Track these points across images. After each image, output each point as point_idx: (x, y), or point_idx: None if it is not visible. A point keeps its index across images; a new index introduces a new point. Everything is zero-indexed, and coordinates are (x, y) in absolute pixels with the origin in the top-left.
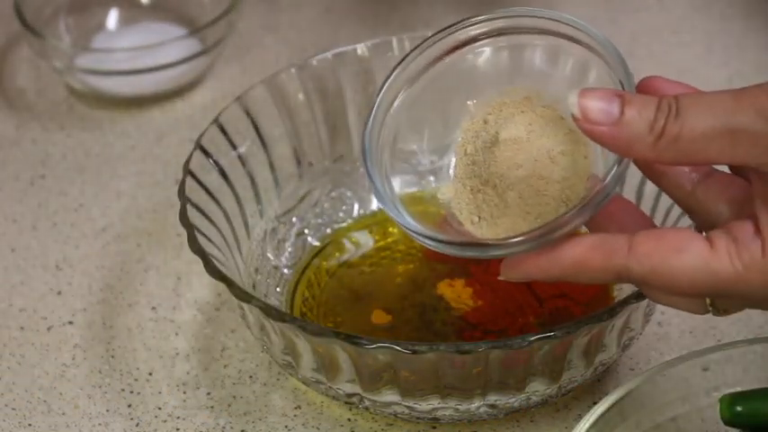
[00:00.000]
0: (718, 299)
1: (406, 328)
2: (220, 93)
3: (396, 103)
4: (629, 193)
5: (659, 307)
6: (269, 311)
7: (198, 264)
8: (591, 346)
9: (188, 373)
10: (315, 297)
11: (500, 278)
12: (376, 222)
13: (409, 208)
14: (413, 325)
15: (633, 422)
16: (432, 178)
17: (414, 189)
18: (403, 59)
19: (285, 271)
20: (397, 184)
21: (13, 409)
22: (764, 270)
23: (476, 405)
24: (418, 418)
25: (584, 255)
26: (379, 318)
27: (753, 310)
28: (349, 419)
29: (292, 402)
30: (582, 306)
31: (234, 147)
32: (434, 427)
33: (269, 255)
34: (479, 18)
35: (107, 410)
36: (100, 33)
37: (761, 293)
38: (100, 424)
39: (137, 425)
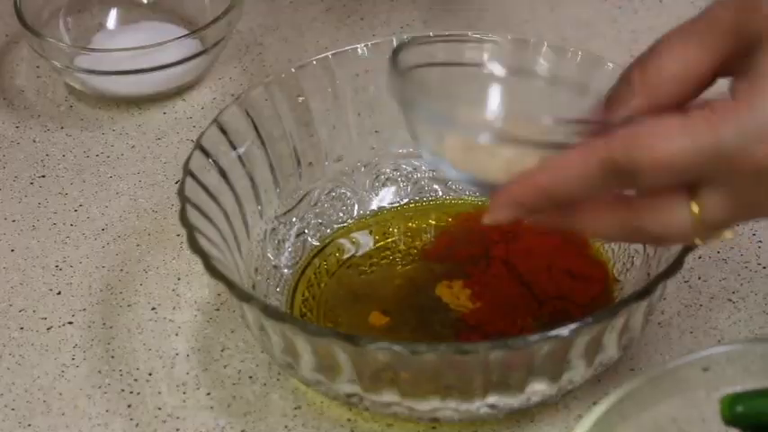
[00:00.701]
0: (702, 184)
1: (404, 329)
2: (220, 93)
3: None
4: None
5: (659, 307)
6: (269, 311)
7: (198, 264)
8: (591, 346)
9: (188, 374)
10: (315, 297)
11: (485, 222)
12: (376, 222)
13: None
14: (411, 326)
15: (633, 422)
16: (437, 186)
17: (415, 200)
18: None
19: (285, 271)
20: (394, 194)
21: (13, 409)
22: (740, 120)
23: (476, 405)
24: (418, 418)
25: (563, 158)
26: (377, 319)
27: (753, 299)
28: (349, 419)
29: (292, 402)
30: (581, 307)
31: (234, 147)
32: (434, 428)
33: (269, 255)
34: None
35: (107, 411)
36: (100, 33)
37: (740, 144)
38: (99, 424)
39: (136, 425)
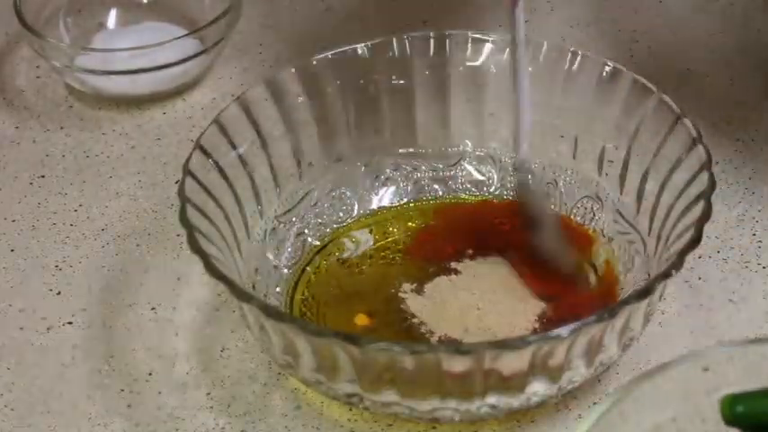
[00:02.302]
0: None
1: (385, 332)
2: (220, 93)
3: None
4: (629, 193)
5: (659, 307)
6: (269, 311)
7: (198, 264)
8: (591, 346)
9: (188, 373)
10: (315, 297)
11: None
12: (376, 222)
13: None
14: (393, 330)
15: (633, 422)
16: (437, 186)
17: (415, 200)
18: None
19: (285, 271)
20: (394, 194)
21: (13, 409)
22: None
23: (476, 405)
24: (418, 418)
25: None
26: (362, 321)
27: (753, 299)
28: (349, 419)
29: (292, 402)
30: (583, 304)
31: (234, 147)
32: (434, 428)
33: (269, 255)
34: None
35: (107, 410)
36: (100, 33)
37: None
38: (99, 424)
39: (136, 425)
